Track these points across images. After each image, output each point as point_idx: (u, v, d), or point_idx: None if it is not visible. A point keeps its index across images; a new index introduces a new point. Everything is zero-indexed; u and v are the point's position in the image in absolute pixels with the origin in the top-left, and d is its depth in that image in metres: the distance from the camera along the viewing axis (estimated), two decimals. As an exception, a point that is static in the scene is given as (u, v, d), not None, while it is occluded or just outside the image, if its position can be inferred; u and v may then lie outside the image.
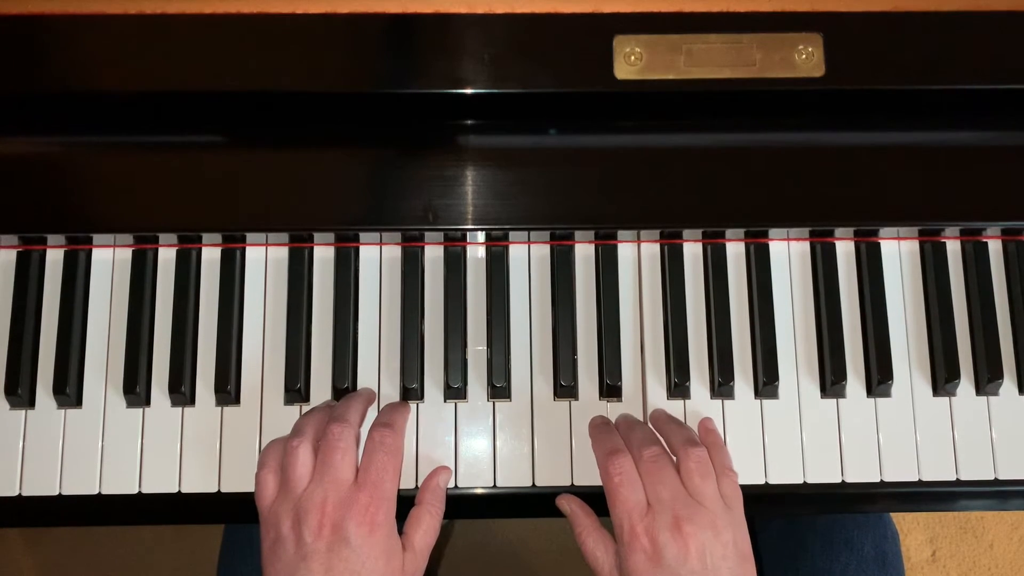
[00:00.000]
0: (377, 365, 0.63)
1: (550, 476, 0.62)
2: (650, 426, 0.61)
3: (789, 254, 0.66)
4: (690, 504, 0.54)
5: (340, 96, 0.61)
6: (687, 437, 0.58)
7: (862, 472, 0.63)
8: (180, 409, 0.63)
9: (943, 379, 0.63)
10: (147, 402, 0.63)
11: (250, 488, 0.58)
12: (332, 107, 0.62)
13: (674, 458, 0.57)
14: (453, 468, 0.62)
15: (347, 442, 0.56)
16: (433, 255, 0.65)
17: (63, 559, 1.27)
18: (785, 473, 0.62)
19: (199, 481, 0.62)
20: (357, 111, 0.62)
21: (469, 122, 0.62)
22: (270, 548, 0.54)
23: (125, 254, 0.64)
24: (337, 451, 0.55)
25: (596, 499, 0.59)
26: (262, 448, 0.60)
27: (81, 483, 0.61)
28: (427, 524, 0.58)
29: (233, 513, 0.63)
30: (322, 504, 0.53)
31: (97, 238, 0.63)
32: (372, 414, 0.62)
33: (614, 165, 0.62)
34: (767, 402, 0.64)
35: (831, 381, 0.63)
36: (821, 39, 0.60)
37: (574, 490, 0.62)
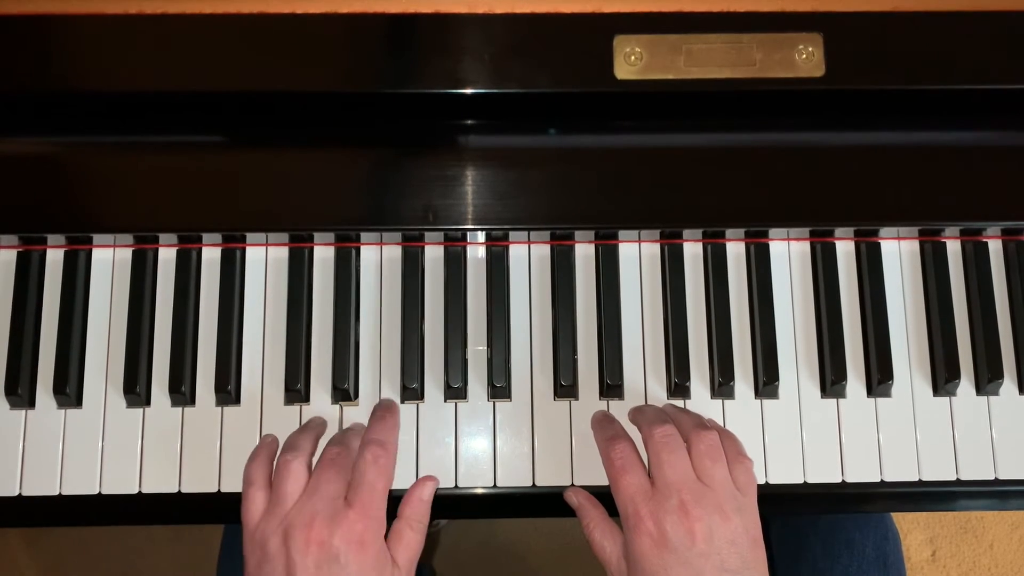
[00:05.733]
0: (377, 365, 0.63)
1: (550, 476, 0.62)
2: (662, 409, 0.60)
3: (789, 254, 0.66)
4: (698, 487, 0.53)
5: (340, 96, 0.61)
6: (698, 422, 0.58)
7: (862, 472, 0.63)
8: (180, 409, 0.63)
9: (943, 379, 0.63)
10: (147, 402, 0.63)
11: (250, 488, 0.58)
12: (332, 107, 0.62)
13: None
14: (453, 468, 0.62)
15: (343, 460, 0.56)
16: (433, 255, 0.65)
17: (63, 559, 1.27)
18: (785, 473, 0.62)
19: (199, 481, 0.62)
20: (357, 111, 0.62)
21: (469, 122, 0.62)
22: (255, 567, 0.53)
23: (125, 254, 0.64)
24: (332, 468, 0.55)
25: (598, 498, 0.59)
26: (246, 464, 0.59)
27: (81, 483, 0.61)
28: (408, 538, 0.57)
29: (233, 513, 0.62)
30: (311, 520, 0.52)
31: (97, 238, 0.63)
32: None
33: (614, 165, 0.62)
34: (767, 402, 0.63)
35: (831, 381, 0.63)
36: (821, 39, 0.60)
37: (574, 490, 0.62)
